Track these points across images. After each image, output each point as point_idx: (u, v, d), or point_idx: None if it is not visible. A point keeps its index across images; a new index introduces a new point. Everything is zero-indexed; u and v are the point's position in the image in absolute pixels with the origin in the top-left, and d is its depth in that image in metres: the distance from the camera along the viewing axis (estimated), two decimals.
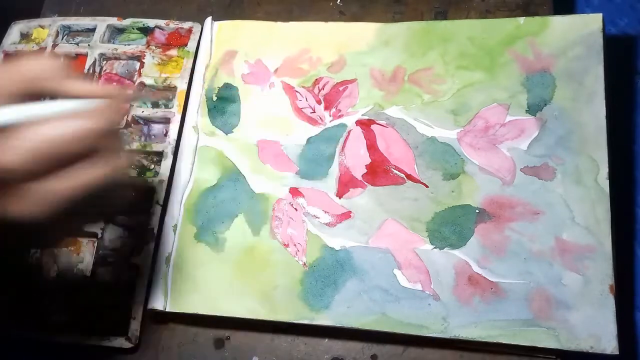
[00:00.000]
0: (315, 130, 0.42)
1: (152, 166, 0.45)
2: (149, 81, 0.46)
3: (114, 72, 0.48)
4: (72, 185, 0.28)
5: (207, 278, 0.39)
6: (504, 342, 0.35)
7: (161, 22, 0.48)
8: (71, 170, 0.28)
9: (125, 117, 0.45)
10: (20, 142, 0.26)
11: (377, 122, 0.41)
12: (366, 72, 0.43)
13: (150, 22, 0.48)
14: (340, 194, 0.40)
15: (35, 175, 0.27)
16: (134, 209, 0.43)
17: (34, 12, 0.53)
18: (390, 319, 0.36)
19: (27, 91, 0.26)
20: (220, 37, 0.46)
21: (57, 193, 0.28)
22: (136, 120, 0.45)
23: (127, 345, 0.39)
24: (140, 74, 0.46)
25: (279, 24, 0.46)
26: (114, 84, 0.36)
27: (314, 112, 0.43)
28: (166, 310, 0.39)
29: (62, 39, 0.50)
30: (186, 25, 0.48)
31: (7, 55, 0.49)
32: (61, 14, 0.52)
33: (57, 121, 0.27)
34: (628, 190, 0.43)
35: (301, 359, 0.39)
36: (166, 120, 0.45)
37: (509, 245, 0.37)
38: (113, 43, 0.49)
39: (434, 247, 0.38)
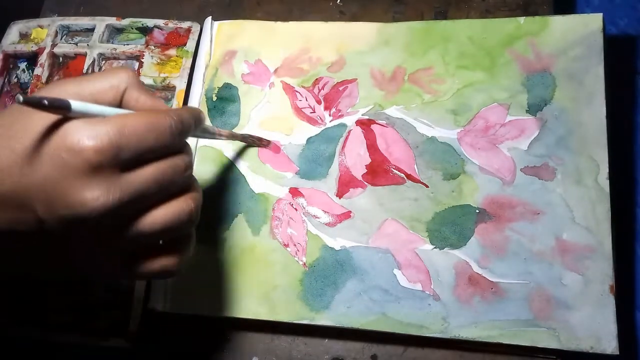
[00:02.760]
0: (315, 130, 0.42)
1: None
2: (148, 81, 0.46)
3: None
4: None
5: (207, 278, 0.39)
6: (504, 342, 0.35)
7: (160, 22, 0.48)
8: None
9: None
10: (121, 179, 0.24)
11: (377, 122, 0.41)
12: (366, 72, 0.43)
13: (149, 22, 0.48)
14: (340, 194, 0.40)
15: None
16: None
17: (34, 12, 0.53)
18: (390, 319, 0.36)
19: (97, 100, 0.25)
20: (220, 37, 0.46)
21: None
22: None
23: (127, 345, 0.39)
24: (139, 74, 0.46)
25: (279, 23, 0.46)
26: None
27: (314, 112, 0.43)
28: (166, 310, 0.39)
29: (61, 39, 0.50)
30: (185, 25, 0.48)
31: (7, 56, 0.49)
32: (61, 14, 0.52)
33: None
34: (628, 190, 0.43)
35: (301, 359, 0.39)
36: None
37: (509, 245, 0.37)
38: (112, 43, 0.49)
39: (434, 247, 0.38)
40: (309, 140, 0.42)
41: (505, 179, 0.38)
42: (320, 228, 0.39)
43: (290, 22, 0.45)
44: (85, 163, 0.22)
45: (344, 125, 0.42)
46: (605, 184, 0.36)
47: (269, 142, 0.42)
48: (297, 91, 0.43)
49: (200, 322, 0.40)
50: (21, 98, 0.20)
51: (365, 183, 0.40)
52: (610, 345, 0.33)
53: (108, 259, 0.26)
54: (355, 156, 0.41)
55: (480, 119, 0.40)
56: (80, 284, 0.42)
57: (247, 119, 0.43)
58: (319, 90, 0.43)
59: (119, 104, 0.26)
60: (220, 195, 0.41)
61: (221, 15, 0.49)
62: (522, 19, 0.41)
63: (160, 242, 0.27)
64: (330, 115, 0.42)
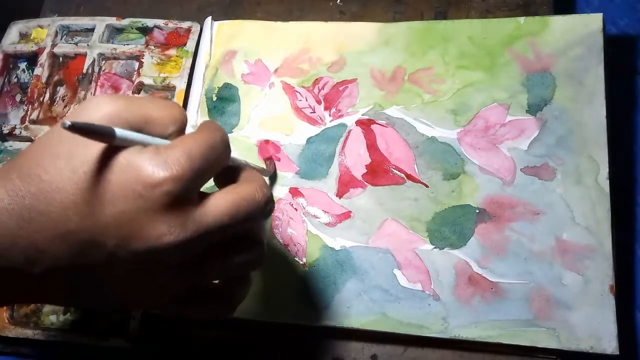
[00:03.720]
0: (315, 130, 0.42)
1: None
2: (148, 81, 0.46)
3: (112, 72, 0.48)
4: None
5: None
6: (504, 342, 0.35)
7: (160, 22, 0.48)
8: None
9: None
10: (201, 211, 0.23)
11: (377, 122, 0.41)
12: (366, 72, 0.43)
13: (149, 22, 0.48)
14: (340, 194, 0.40)
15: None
16: None
17: (34, 12, 0.53)
18: (390, 319, 0.36)
19: (138, 128, 0.24)
20: (220, 37, 0.46)
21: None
22: None
23: (127, 345, 0.39)
24: (139, 74, 0.46)
25: (279, 23, 0.46)
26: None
27: (314, 112, 0.43)
28: None
29: (61, 39, 0.50)
30: (185, 25, 0.48)
31: (7, 56, 0.49)
32: (61, 14, 0.52)
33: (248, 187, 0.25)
34: (628, 190, 0.43)
35: (301, 359, 0.39)
36: None
37: (509, 245, 0.37)
38: (112, 43, 0.49)
39: (434, 247, 0.38)
40: (309, 140, 0.42)
41: (505, 179, 0.38)
42: (320, 228, 0.39)
43: (290, 22, 0.45)
44: (162, 195, 0.22)
45: (344, 125, 0.42)
46: (605, 184, 0.36)
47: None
48: (297, 91, 0.43)
49: (200, 322, 0.40)
50: (67, 123, 0.19)
51: (365, 183, 0.40)
52: (610, 345, 0.33)
53: (162, 295, 0.26)
54: (355, 156, 0.41)
55: (480, 119, 0.40)
56: None
57: (247, 119, 0.43)
58: (319, 90, 0.43)
59: None
60: None
61: (221, 15, 0.49)
62: (522, 19, 0.41)
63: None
64: (330, 115, 0.42)
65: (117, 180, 0.22)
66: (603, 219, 0.36)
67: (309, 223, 0.40)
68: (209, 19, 0.47)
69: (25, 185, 0.22)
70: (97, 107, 0.23)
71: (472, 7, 0.45)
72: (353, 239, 0.39)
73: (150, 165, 0.22)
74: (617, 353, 0.33)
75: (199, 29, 0.47)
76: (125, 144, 0.22)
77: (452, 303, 0.36)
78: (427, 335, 0.36)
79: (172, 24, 0.48)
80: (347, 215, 0.39)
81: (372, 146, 0.41)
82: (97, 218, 0.22)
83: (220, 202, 0.24)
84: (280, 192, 0.41)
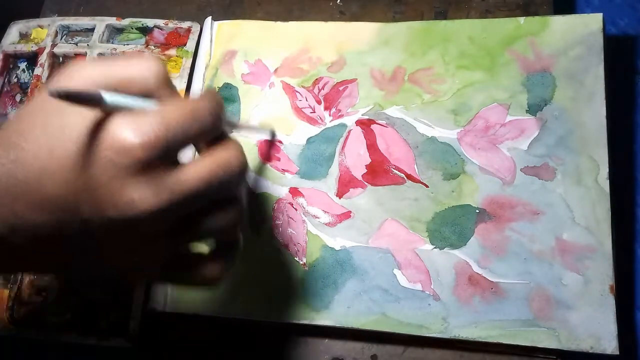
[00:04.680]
0: (315, 130, 0.42)
1: None
2: None
3: None
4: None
5: None
6: (504, 342, 0.35)
7: (160, 22, 0.48)
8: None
9: None
10: (174, 179, 0.23)
11: (377, 122, 0.41)
12: (366, 72, 0.43)
13: (149, 22, 0.48)
14: (340, 194, 0.40)
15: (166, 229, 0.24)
16: None
17: (34, 12, 0.53)
18: (390, 319, 0.36)
19: (115, 88, 0.23)
20: (220, 37, 0.46)
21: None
22: None
23: (127, 345, 0.39)
24: None
25: (279, 23, 0.46)
26: None
27: (314, 112, 0.43)
28: (166, 310, 0.39)
29: (61, 39, 0.50)
30: (185, 25, 0.48)
31: (7, 56, 0.49)
32: (61, 14, 0.52)
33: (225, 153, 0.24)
34: (628, 190, 0.43)
35: (301, 359, 0.39)
36: None
37: (509, 245, 0.37)
38: (112, 43, 0.49)
39: (434, 247, 0.38)
40: (309, 140, 0.42)
41: (505, 179, 0.38)
42: (320, 228, 0.39)
43: (290, 22, 0.45)
44: (133, 161, 0.21)
45: (344, 125, 0.42)
46: (605, 184, 0.36)
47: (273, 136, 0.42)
48: (297, 91, 0.43)
49: (200, 322, 0.40)
50: (54, 91, 0.19)
51: (365, 183, 0.40)
52: (610, 345, 0.33)
53: (148, 263, 0.26)
54: (355, 156, 0.41)
55: (480, 119, 0.40)
56: (79, 284, 0.42)
57: (247, 119, 0.43)
58: (319, 90, 0.43)
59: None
60: None
61: (221, 15, 0.49)
62: (522, 19, 0.41)
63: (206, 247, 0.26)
64: (330, 115, 0.42)
65: (92, 146, 0.22)
66: (603, 219, 0.36)
67: (309, 223, 0.40)
68: (209, 19, 0.47)
69: (5, 153, 0.22)
70: (76, 75, 0.23)
71: (472, 7, 0.45)
72: (353, 239, 0.39)
73: (123, 131, 0.21)
74: (617, 353, 0.33)
75: (199, 29, 0.47)
76: (115, 109, 0.22)
77: (452, 303, 0.36)
78: (427, 335, 0.36)
79: (172, 24, 0.48)
80: (347, 215, 0.39)
81: (372, 146, 0.41)
82: (73, 184, 0.22)
83: (196, 170, 0.23)
84: (280, 192, 0.41)
